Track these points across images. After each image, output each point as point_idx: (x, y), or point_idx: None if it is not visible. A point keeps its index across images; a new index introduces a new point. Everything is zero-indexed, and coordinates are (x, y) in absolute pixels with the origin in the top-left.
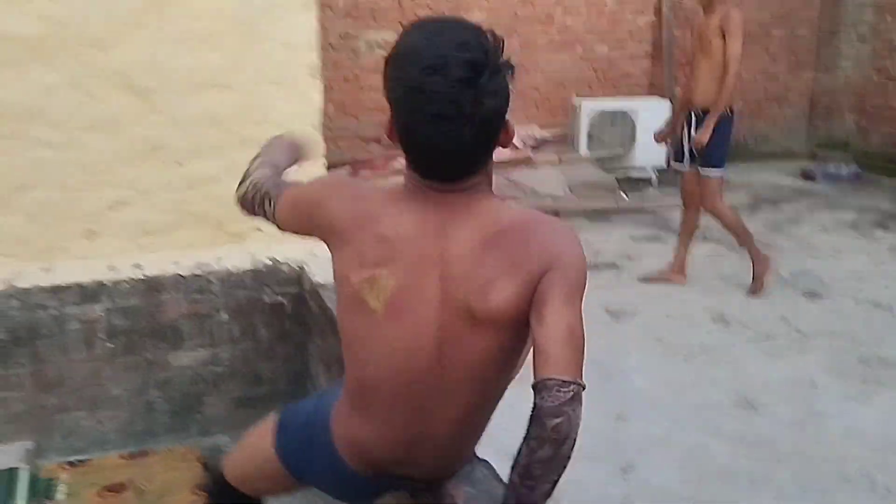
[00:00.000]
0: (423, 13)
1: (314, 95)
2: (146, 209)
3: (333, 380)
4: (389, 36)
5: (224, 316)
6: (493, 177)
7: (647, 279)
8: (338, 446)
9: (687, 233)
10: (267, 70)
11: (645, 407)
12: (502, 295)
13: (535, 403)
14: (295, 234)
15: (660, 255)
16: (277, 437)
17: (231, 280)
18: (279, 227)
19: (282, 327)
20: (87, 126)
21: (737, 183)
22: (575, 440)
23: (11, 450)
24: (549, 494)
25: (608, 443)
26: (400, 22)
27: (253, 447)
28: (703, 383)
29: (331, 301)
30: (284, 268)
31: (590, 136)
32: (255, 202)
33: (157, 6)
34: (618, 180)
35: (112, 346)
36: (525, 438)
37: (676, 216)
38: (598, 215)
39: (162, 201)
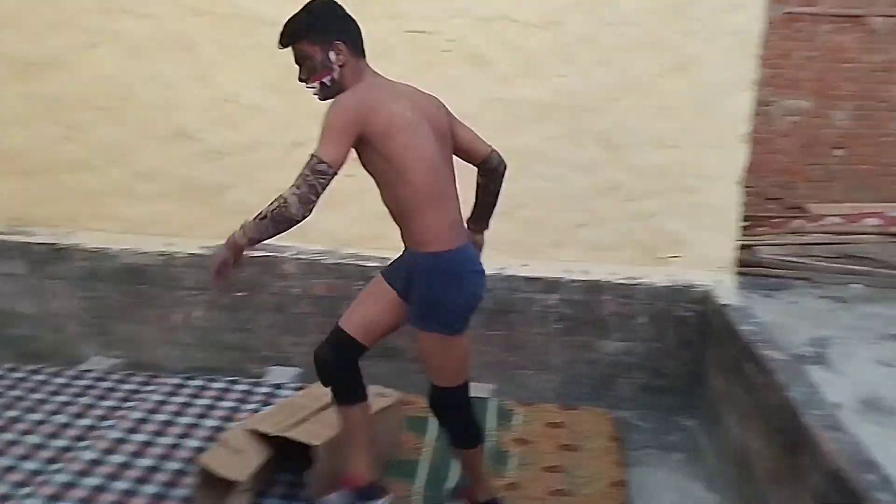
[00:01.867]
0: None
1: (740, 157)
2: (599, 231)
3: (722, 387)
4: (804, 105)
5: (643, 319)
6: None
7: None
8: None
9: None
10: (708, 136)
11: None
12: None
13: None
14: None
15: None
16: (384, 273)
17: (652, 293)
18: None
19: (686, 336)
20: (572, 167)
21: None
22: None
23: (483, 387)
24: None
25: None
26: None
27: (366, 292)
28: None
29: (730, 317)
30: (694, 290)
31: None
32: (312, 194)
33: (635, 85)
34: None
35: (559, 327)
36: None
37: None
38: None
39: (611, 227)
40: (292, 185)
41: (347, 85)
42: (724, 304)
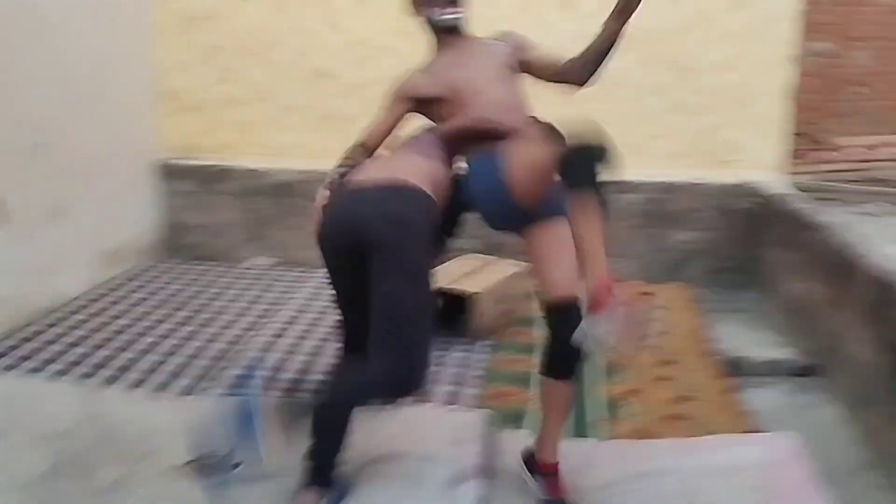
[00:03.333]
0: None
1: (788, 76)
2: (672, 142)
3: (779, 259)
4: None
5: (712, 212)
6: None
7: None
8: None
9: None
10: (761, 58)
11: None
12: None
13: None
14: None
15: None
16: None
17: (717, 190)
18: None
19: (746, 224)
20: (647, 90)
21: None
22: None
23: None
24: None
25: None
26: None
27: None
28: None
29: (787, 201)
30: (752, 186)
31: None
32: None
33: (701, 18)
34: None
35: (641, 220)
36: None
37: None
38: None
39: (682, 139)
40: None
41: None
42: (781, 194)
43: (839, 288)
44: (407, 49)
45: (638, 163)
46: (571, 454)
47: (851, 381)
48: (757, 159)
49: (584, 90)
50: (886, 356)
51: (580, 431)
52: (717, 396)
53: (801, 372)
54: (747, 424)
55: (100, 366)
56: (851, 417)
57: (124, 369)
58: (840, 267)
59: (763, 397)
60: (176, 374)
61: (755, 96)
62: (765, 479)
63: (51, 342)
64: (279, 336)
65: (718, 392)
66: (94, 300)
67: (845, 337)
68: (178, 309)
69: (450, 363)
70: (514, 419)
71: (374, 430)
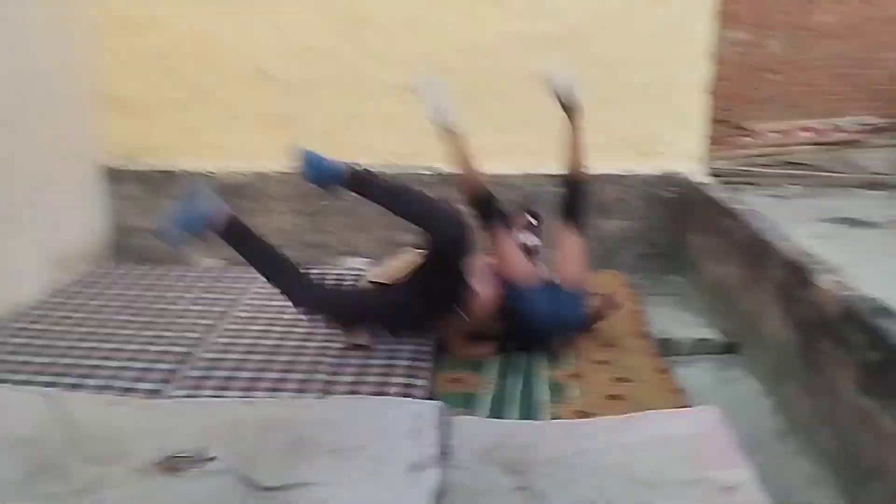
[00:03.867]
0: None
1: (705, 70)
2: (599, 136)
3: (700, 244)
4: (743, 36)
5: (639, 202)
6: None
7: None
8: None
9: None
10: (680, 54)
11: None
12: None
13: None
14: None
15: None
16: None
17: (643, 180)
18: None
19: (671, 212)
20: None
21: None
22: None
23: None
24: None
25: None
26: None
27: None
28: None
29: (707, 191)
30: (676, 176)
31: None
32: None
33: (626, 15)
34: None
35: None
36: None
37: None
38: None
39: (608, 132)
40: None
41: None
42: (702, 183)
43: (755, 270)
44: (348, 51)
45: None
46: (520, 433)
47: (767, 356)
48: (679, 150)
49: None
50: (797, 333)
51: (527, 413)
52: (653, 376)
53: (724, 350)
54: (680, 401)
55: (62, 374)
56: (768, 390)
57: (87, 376)
58: (754, 250)
59: (690, 374)
60: (139, 379)
61: (676, 89)
62: (693, 448)
63: (13, 352)
64: (240, 335)
65: (653, 372)
66: (53, 309)
67: (761, 316)
68: (137, 314)
69: (402, 355)
70: (467, 403)
71: (332, 423)
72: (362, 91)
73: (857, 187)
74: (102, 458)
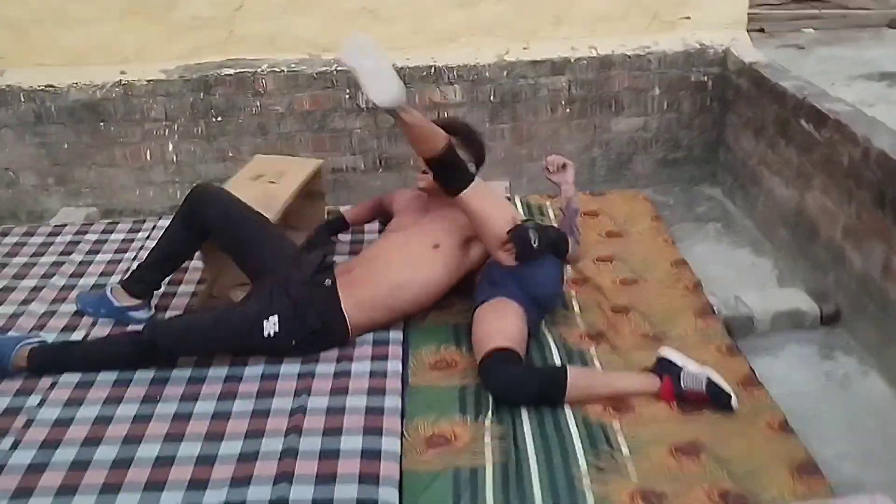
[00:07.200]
0: None
1: None
2: (601, 0)
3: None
4: None
5: (656, 91)
6: None
7: None
8: None
9: None
10: None
11: None
12: None
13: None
14: None
15: None
16: None
17: (666, 60)
18: None
19: (703, 102)
20: None
21: None
22: None
23: (499, 184)
24: None
25: None
26: None
27: None
28: None
29: (763, 75)
30: (710, 51)
31: None
32: None
33: None
34: None
35: (569, 111)
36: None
37: None
38: None
39: None
40: None
41: None
42: (752, 62)
43: (873, 212)
44: None
45: (559, 32)
46: None
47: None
48: (713, 14)
49: None
50: None
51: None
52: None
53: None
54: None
55: None
56: None
57: None
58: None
59: (775, 369)
60: None
61: None
62: None
63: None
64: None
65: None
66: None
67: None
68: None
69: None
70: None
71: None
72: None
73: (886, 27)
74: None
